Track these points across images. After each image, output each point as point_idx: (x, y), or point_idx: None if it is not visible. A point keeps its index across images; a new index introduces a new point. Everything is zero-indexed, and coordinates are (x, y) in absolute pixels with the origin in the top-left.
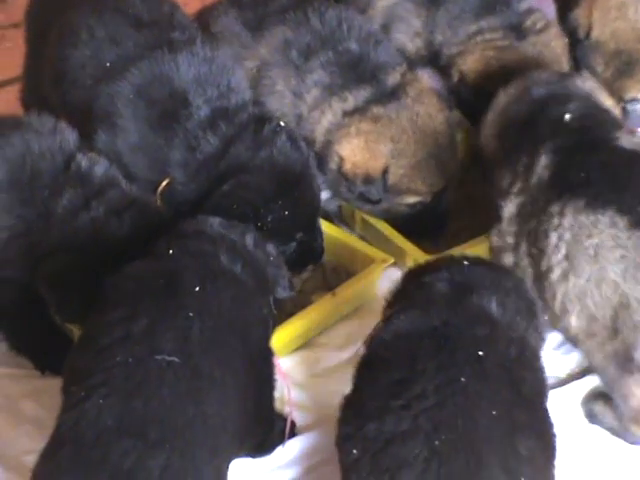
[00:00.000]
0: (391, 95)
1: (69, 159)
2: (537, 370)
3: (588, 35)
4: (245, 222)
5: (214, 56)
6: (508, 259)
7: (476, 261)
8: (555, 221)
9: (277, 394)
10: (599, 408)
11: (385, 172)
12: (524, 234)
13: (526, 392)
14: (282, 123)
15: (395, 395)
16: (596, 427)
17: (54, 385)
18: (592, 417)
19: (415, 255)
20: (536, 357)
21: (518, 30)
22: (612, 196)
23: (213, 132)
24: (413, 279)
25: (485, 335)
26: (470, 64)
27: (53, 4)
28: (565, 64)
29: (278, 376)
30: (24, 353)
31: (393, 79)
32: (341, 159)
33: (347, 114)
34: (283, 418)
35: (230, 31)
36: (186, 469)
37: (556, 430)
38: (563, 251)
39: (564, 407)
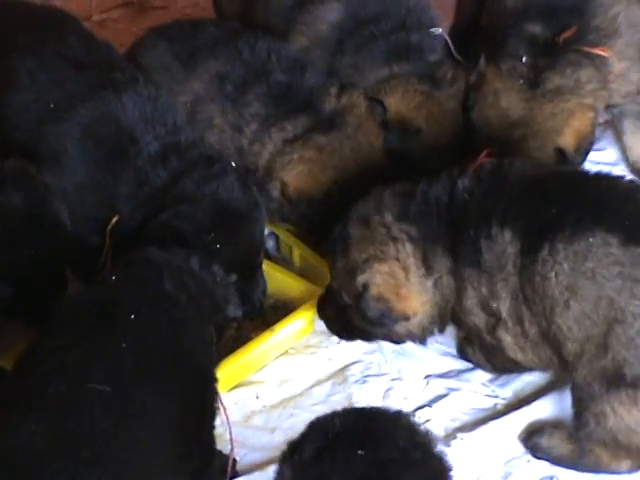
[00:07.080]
0: (331, 122)
1: None
2: None
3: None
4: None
5: (158, 95)
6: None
7: None
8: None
9: (218, 430)
10: (546, 440)
11: (328, 195)
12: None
13: None
14: (233, 164)
15: None
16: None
17: None
18: (538, 450)
19: None
20: None
21: (432, 79)
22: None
23: (163, 166)
24: None
25: None
26: (392, 101)
27: None
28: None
29: (220, 409)
30: None
31: (329, 104)
32: (285, 184)
33: (288, 142)
34: (225, 455)
35: (161, 63)
36: None
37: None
38: (564, 283)
39: (504, 439)
